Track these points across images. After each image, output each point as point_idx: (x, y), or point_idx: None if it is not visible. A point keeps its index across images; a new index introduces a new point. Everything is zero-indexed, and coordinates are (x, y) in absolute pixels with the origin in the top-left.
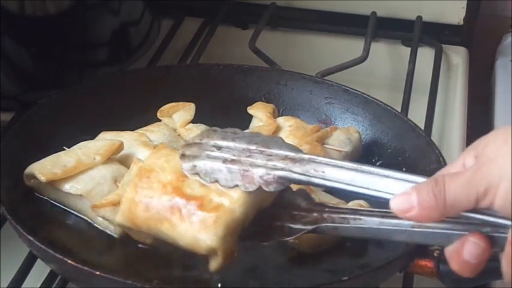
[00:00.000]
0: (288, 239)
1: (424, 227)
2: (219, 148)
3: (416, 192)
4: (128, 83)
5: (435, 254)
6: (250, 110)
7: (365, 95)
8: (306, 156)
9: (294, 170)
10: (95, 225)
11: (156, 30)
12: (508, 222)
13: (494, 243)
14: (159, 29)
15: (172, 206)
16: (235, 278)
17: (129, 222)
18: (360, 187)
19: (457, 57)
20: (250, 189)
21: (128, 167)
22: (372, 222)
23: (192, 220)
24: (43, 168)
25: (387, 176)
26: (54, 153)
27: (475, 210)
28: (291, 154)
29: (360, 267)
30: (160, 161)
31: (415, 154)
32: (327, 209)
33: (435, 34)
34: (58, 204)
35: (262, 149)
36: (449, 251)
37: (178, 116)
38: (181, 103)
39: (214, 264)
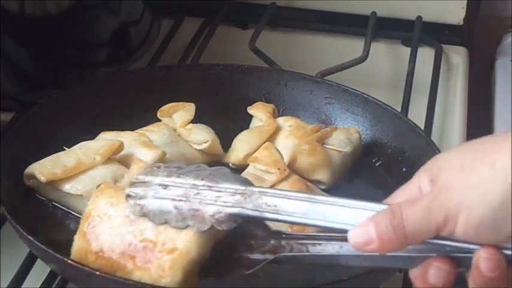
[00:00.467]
0: (248, 272)
1: None
2: (166, 187)
3: (374, 224)
4: (128, 83)
5: None
6: (250, 110)
7: (365, 95)
8: (256, 190)
9: (245, 207)
10: None
11: (156, 30)
12: (471, 246)
13: (458, 263)
14: (159, 29)
15: (123, 253)
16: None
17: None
18: (314, 219)
19: (457, 57)
20: (203, 229)
21: (128, 167)
22: (332, 248)
23: (147, 267)
24: (43, 168)
25: (343, 206)
26: (54, 153)
27: (437, 237)
28: (241, 188)
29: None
30: (105, 206)
31: (415, 154)
32: (284, 236)
33: (435, 34)
34: (58, 205)
35: (210, 184)
36: (414, 274)
37: (178, 116)
38: (181, 103)
39: None
